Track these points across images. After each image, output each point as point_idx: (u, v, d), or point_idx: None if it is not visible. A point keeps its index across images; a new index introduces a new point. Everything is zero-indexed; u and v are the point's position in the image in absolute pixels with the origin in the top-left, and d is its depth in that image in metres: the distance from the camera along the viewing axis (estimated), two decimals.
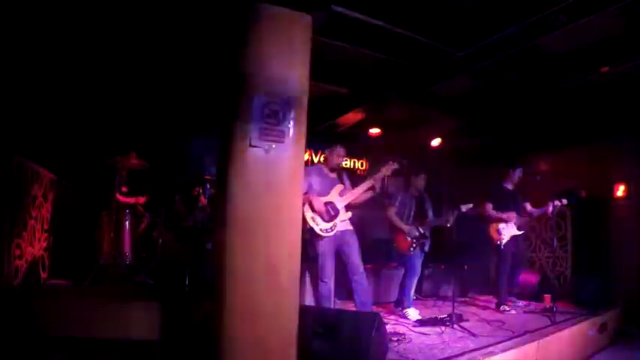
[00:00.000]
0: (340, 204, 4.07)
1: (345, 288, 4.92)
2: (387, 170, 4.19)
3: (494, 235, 5.25)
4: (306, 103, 2.96)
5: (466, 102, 5.86)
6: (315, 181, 4.08)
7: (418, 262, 4.84)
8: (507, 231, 5.23)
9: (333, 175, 4.25)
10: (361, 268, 4.09)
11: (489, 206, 5.29)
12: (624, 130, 5.94)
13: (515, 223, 5.27)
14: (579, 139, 6.30)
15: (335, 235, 4.01)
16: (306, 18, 2.96)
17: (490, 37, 3.98)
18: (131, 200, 4.95)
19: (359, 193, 4.15)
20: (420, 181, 5.01)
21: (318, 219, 3.93)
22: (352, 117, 6.09)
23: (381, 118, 6.44)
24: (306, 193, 3.91)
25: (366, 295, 4.08)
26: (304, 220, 3.69)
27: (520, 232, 5.33)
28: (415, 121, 6.61)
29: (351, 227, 4.17)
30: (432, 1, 3.78)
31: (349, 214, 4.13)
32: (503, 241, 5.19)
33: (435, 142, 6.94)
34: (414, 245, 4.74)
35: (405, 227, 4.78)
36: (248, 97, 2.76)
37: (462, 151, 7.46)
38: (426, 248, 4.91)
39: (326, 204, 3.99)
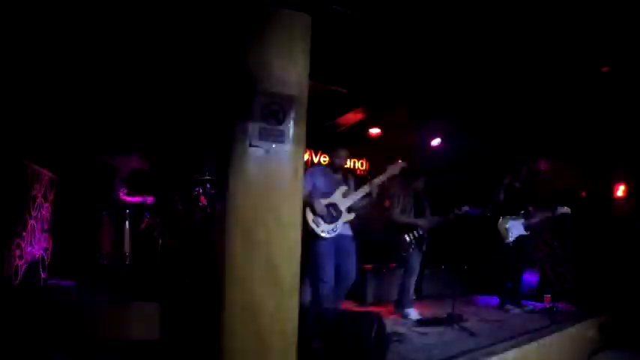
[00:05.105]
0: (343, 205, 4.04)
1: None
2: (394, 169, 4.17)
3: (503, 232, 5.24)
4: (306, 103, 2.96)
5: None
6: (320, 182, 4.04)
7: (417, 262, 4.83)
8: (515, 230, 5.23)
9: (338, 176, 4.21)
10: (353, 277, 4.02)
11: None
12: (624, 130, 5.94)
13: (523, 224, 5.26)
14: (580, 140, 6.30)
15: (336, 236, 3.97)
16: (306, 18, 2.96)
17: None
18: (136, 199, 4.94)
19: (364, 193, 4.09)
20: (419, 184, 5.01)
21: (320, 221, 3.91)
22: (352, 117, 6.09)
23: (381, 118, 6.44)
24: (310, 194, 3.90)
25: (336, 304, 4.02)
26: (305, 222, 3.68)
27: (527, 233, 5.32)
28: (415, 121, 6.60)
29: (350, 232, 4.14)
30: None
31: (352, 215, 4.09)
32: (510, 240, 5.19)
33: (435, 142, 6.94)
34: (413, 246, 4.73)
35: (420, 221, 4.75)
36: (248, 97, 2.77)
37: (462, 152, 7.45)
38: (424, 248, 4.91)
39: (328, 205, 3.96)
